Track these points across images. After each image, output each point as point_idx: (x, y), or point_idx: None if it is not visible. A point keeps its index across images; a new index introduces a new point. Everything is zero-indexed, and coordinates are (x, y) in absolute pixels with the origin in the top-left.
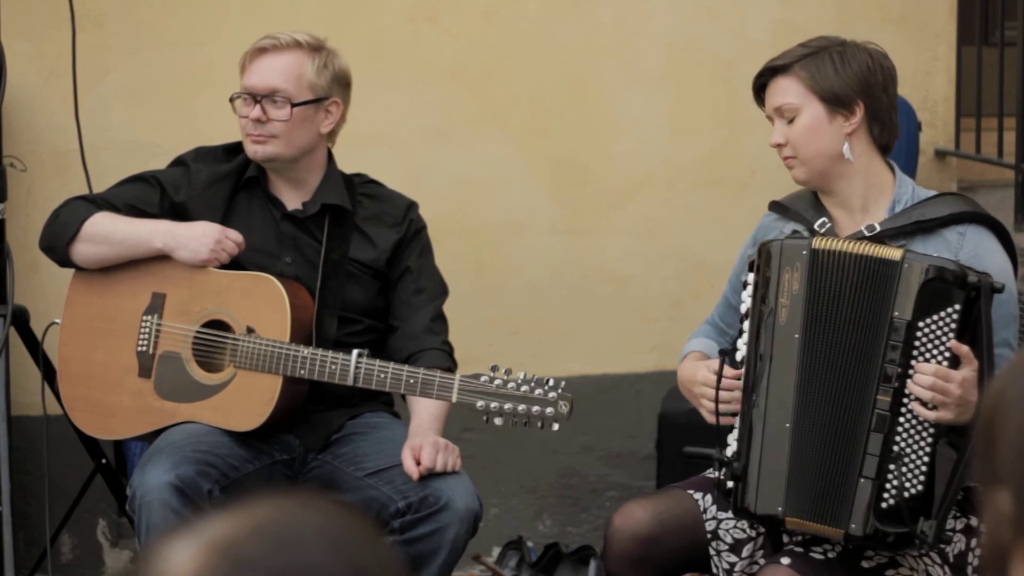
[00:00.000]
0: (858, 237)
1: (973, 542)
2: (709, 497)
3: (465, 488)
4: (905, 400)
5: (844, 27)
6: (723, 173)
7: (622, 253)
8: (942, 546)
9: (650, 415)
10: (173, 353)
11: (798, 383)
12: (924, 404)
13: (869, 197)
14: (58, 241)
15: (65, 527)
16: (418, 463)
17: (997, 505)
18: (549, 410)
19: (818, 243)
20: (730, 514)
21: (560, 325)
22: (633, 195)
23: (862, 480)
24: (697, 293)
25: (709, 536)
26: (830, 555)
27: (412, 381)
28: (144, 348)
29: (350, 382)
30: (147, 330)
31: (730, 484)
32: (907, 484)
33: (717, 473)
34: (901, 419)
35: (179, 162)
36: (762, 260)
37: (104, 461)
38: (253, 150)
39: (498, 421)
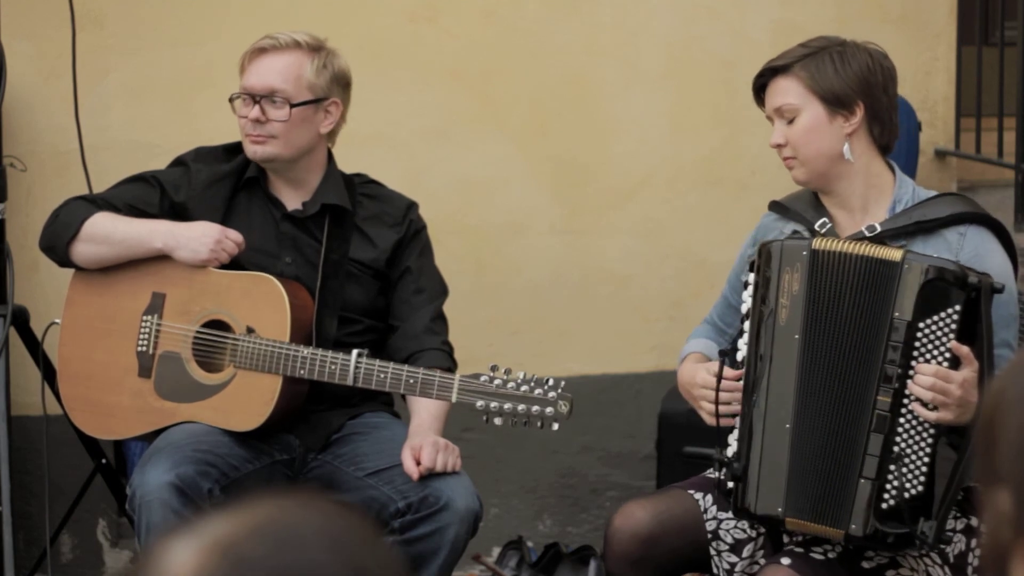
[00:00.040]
0: (859, 237)
1: (973, 542)
2: (709, 497)
3: (465, 488)
4: (905, 401)
5: (844, 27)
6: (723, 173)
7: (622, 253)
8: (942, 546)
9: (650, 415)
10: (173, 353)
11: (798, 383)
12: (924, 405)
13: (869, 197)
14: (58, 241)
15: (65, 527)
16: (418, 463)
17: (997, 505)
18: (549, 410)
19: (818, 244)
20: (730, 514)
21: (560, 325)
22: (633, 195)
23: (862, 480)
24: (697, 293)
25: (709, 536)
26: (830, 555)
27: (412, 381)
28: (144, 348)
29: (350, 382)
30: (147, 330)
31: (730, 484)
32: (907, 484)
33: (717, 473)
34: (901, 420)
35: (179, 162)
36: (762, 260)
37: (104, 461)
38: (252, 150)
39: (498, 421)
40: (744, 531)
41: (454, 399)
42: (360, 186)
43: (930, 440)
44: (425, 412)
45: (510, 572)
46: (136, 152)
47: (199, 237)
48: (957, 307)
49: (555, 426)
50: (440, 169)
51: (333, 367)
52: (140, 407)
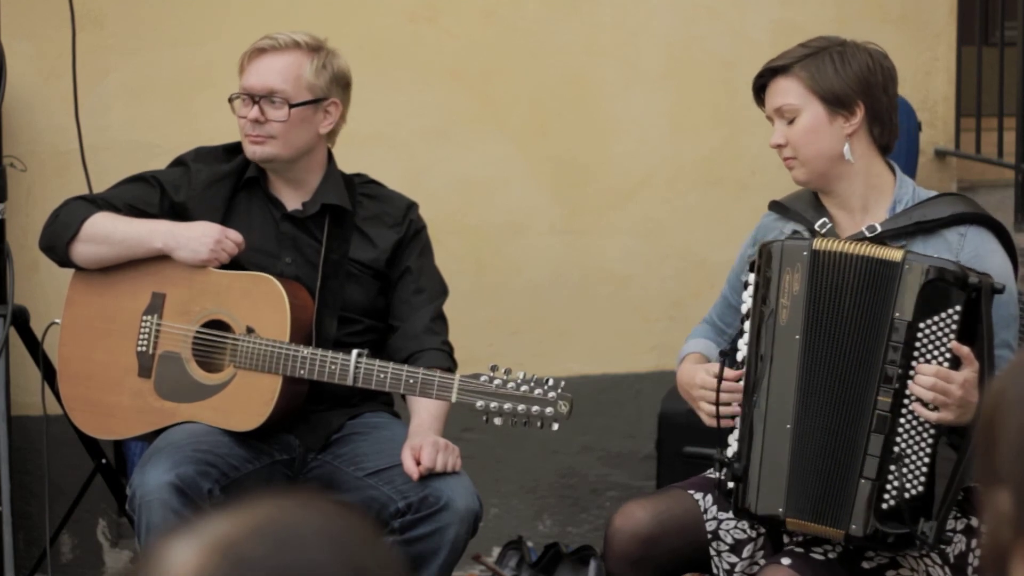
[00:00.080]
0: (859, 238)
1: (973, 542)
2: (710, 497)
3: (465, 488)
4: (906, 401)
5: (844, 27)
6: (723, 173)
7: (622, 253)
8: (942, 547)
9: (650, 415)
10: (173, 353)
11: (799, 384)
12: (925, 405)
13: (869, 197)
14: (58, 241)
15: (65, 527)
16: (418, 463)
17: (997, 505)
18: (549, 410)
19: (819, 244)
20: (730, 514)
21: (560, 325)
22: (633, 195)
23: (863, 481)
24: (697, 293)
25: (709, 536)
26: (830, 556)
27: (412, 381)
28: (144, 348)
29: (350, 382)
30: (147, 330)
31: (731, 485)
32: (907, 485)
33: (717, 473)
34: (902, 420)
35: (179, 162)
36: (763, 260)
37: (104, 461)
38: (252, 150)
39: (498, 421)
40: (744, 531)
41: (454, 399)
42: (360, 186)
43: (930, 440)
44: (425, 412)
45: (510, 572)
46: (136, 152)
47: (199, 237)
48: (957, 307)
49: (555, 426)
50: (440, 169)
51: (333, 367)
52: (140, 407)
